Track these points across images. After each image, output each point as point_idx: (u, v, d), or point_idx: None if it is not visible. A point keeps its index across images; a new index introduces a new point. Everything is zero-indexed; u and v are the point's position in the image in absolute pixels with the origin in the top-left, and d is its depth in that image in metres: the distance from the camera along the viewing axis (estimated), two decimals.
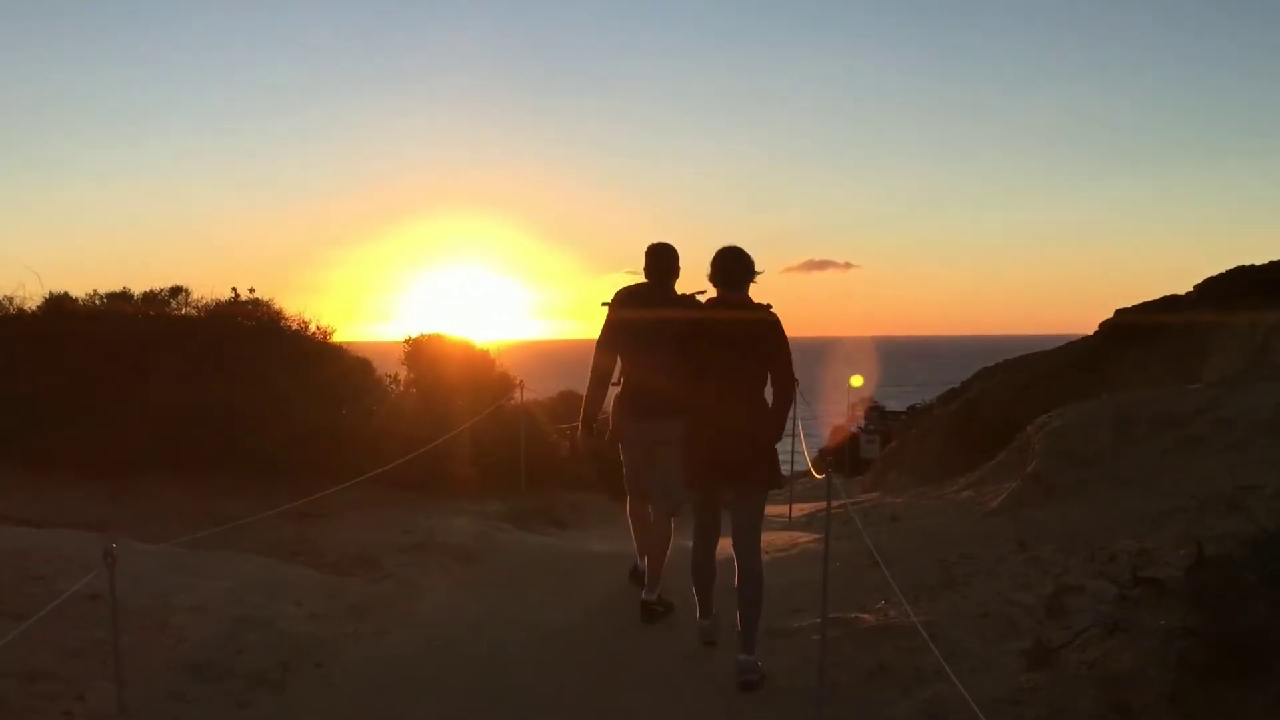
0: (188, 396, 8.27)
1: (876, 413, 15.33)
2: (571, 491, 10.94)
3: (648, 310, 5.32)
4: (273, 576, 6.15)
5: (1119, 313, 10.83)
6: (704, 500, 4.81)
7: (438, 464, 8.89)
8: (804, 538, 7.57)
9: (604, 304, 5.54)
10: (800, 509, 9.74)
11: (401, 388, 11.32)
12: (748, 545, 4.65)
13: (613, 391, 5.58)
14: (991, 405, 10.89)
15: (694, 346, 4.70)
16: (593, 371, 5.54)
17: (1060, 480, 6.59)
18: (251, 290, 9.91)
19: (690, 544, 4.93)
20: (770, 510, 11.65)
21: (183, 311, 9.35)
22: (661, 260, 5.44)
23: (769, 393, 4.68)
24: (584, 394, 5.61)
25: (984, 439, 10.85)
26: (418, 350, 11.79)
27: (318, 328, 10.73)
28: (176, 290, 9.12)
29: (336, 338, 11.55)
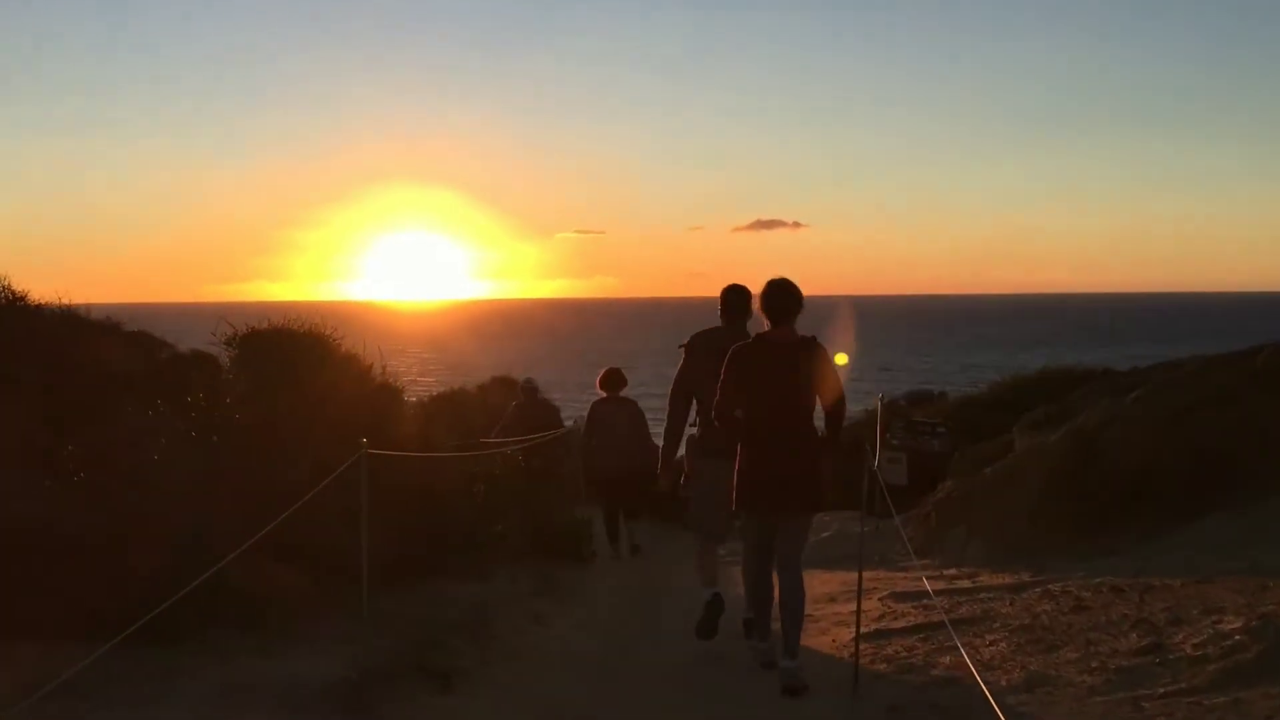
0: None
1: (901, 423, 11.53)
2: (471, 580, 7.00)
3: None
4: None
5: None
6: (756, 523, 5.24)
7: (223, 580, 4.96)
8: None
9: (680, 346, 5.86)
10: (875, 645, 5.95)
11: (221, 406, 7.31)
12: (791, 564, 5.11)
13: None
14: (1128, 443, 7.13)
15: (745, 376, 5.00)
16: (670, 416, 5.85)
17: None
18: None
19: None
20: (821, 641, 7.63)
21: None
22: (736, 302, 5.78)
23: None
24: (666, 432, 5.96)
25: (1115, 495, 7.11)
26: (248, 354, 7.79)
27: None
28: None
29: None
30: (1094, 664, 4.37)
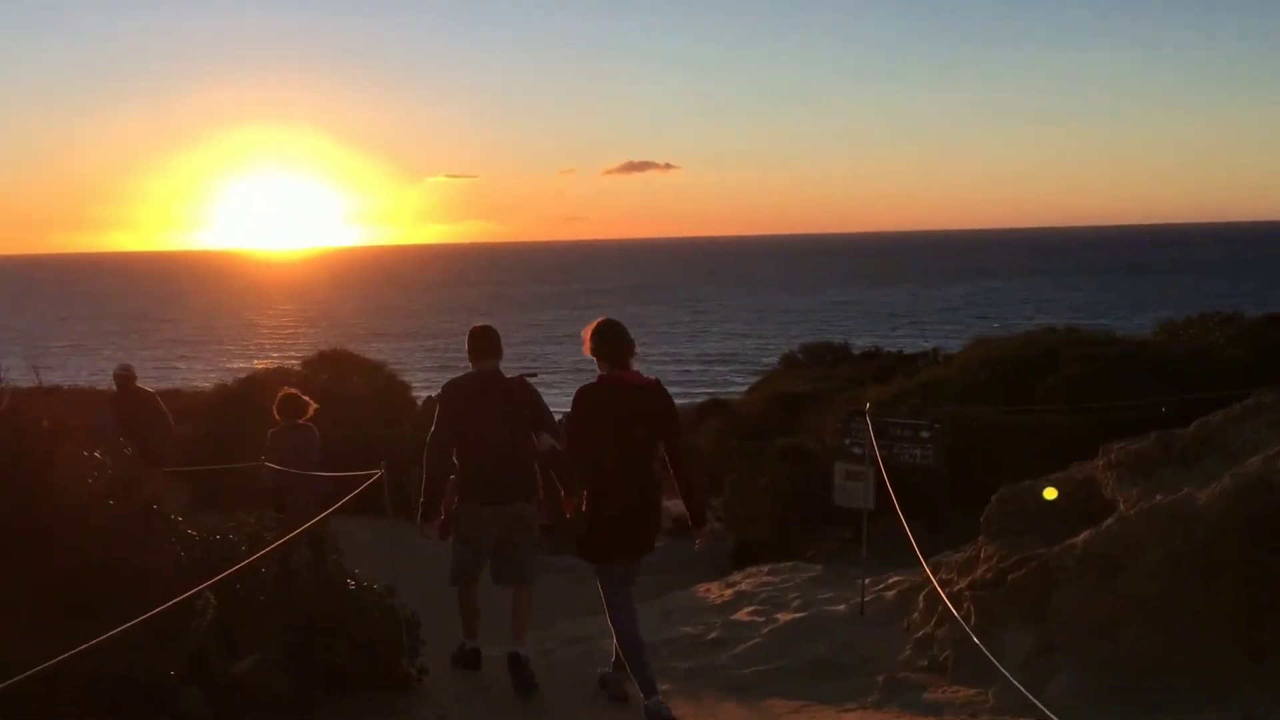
0: None
1: (858, 423, 8.11)
2: None
3: (484, 397, 5.49)
4: None
5: None
6: (618, 574, 5.06)
7: None
8: None
9: (433, 397, 5.61)
10: None
11: None
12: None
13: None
14: None
15: (599, 419, 4.93)
16: (428, 466, 5.53)
17: None
18: None
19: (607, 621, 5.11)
20: None
21: None
22: (485, 345, 5.63)
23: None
24: (425, 474, 5.53)
25: None
26: None
27: None
28: None
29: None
30: None
